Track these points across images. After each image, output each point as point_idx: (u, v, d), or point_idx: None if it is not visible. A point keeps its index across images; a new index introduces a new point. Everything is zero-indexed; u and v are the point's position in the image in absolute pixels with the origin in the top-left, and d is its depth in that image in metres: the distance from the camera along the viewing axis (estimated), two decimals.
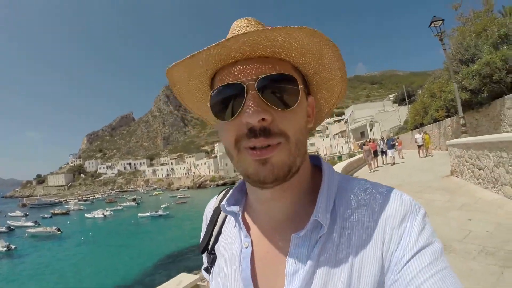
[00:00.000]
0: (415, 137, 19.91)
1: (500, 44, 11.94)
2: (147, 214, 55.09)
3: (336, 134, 70.01)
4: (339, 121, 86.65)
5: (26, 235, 45.02)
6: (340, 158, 37.80)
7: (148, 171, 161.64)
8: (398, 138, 25.45)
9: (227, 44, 0.55)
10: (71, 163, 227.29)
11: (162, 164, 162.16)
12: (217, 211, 0.83)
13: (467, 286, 3.26)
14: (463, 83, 12.26)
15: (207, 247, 0.80)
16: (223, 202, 0.73)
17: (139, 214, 56.93)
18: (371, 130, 46.20)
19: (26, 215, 69.81)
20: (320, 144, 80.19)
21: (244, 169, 0.61)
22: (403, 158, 20.98)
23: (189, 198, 75.46)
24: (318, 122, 0.79)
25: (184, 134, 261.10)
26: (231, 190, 0.79)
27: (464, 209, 6.09)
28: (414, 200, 0.61)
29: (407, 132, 30.34)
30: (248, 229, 0.71)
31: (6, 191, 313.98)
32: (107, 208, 69.28)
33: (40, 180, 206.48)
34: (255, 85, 0.57)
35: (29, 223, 54.28)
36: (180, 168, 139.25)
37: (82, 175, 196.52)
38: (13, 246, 36.37)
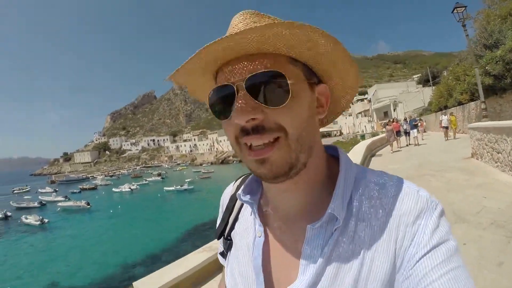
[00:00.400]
0: (440, 119, 19.25)
1: None
2: (173, 188, 56.15)
3: (359, 113, 69.04)
4: (362, 100, 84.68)
5: (58, 209, 47.00)
6: (363, 137, 37.55)
7: (172, 147, 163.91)
8: (421, 119, 24.84)
9: (210, 49, 0.54)
10: (96, 140, 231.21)
11: (185, 141, 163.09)
12: (233, 198, 0.85)
13: (476, 248, 3.86)
14: (486, 68, 12.51)
15: (223, 233, 0.83)
16: (239, 191, 0.74)
17: (165, 188, 58.23)
18: (394, 110, 45.63)
19: (56, 191, 72.30)
20: (343, 123, 79.28)
21: (246, 165, 0.64)
22: (422, 139, 20.67)
23: (212, 173, 76.55)
24: (335, 114, 0.80)
25: (206, 111, 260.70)
26: (248, 179, 0.80)
27: (480, 188, 6.64)
28: (432, 197, 0.60)
29: (431, 113, 30.08)
30: (262, 218, 0.73)
31: (33, 169, 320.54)
32: (133, 183, 71.44)
33: (67, 157, 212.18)
34: (243, 84, 0.56)
35: (60, 198, 56.43)
36: (203, 144, 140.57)
37: (107, 152, 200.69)
38: (46, 220, 38.08)
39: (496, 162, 7.87)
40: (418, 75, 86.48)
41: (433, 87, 36.48)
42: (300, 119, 0.59)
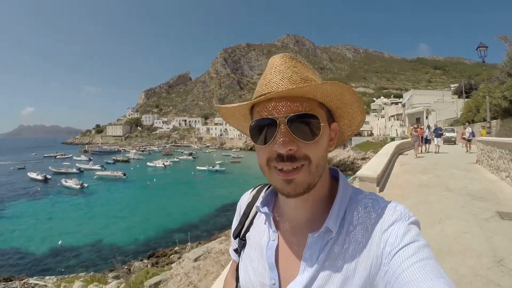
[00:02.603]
0: (466, 130, 19.28)
1: None
2: (205, 168, 58.65)
3: (392, 116, 69.21)
4: (396, 103, 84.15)
5: (95, 177, 49.87)
6: (393, 139, 39.15)
7: (202, 129, 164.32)
8: (444, 129, 25.62)
9: (268, 97, 0.70)
10: (129, 116, 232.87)
11: (216, 124, 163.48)
12: (250, 205, 0.99)
13: (454, 201, 6.62)
14: (505, 93, 14.78)
15: (239, 234, 0.97)
16: (258, 204, 0.90)
17: (197, 167, 60.37)
18: (427, 117, 45.56)
19: (90, 159, 76.04)
20: (375, 124, 78.03)
21: (273, 184, 0.77)
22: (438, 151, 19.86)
23: (242, 159, 76.86)
24: (339, 144, 0.93)
25: (240, 97, 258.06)
26: (265, 192, 0.96)
27: (470, 179, 9.55)
28: (407, 210, 0.73)
29: (459, 125, 31.14)
30: (276, 225, 0.87)
31: (63, 138, 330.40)
32: (166, 159, 73.17)
33: (99, 129, 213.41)
34: (285, 121, 0.70)
35: (96, 167, 60.29)
36: (233, 129, 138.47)
37: (138, 127, 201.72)
38: (85, 184, 41.02)
39: (490, 167, 10.64)
40: (456, 85, 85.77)
41: (465, 100, 37.57)
42: (321, 151, 0.75)
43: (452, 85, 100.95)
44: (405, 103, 62.43)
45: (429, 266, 0.59)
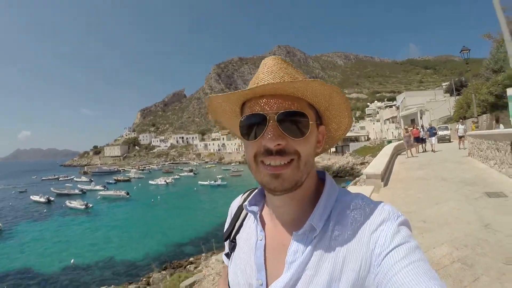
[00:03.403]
0: (456, 127, 20.04)
1: None
2: (207, 183, 58.58)
3: (387, 119, 70.01)
4: (390, 106, 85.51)
5: (98, 197, 49.90)
6: (389, 142, 39.63)
7: (200, 145, 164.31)
8: (437, 127, 26.45)
9: (257, 89, 0.71)
10: (126, 136, 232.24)
11: (213, 139, 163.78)
12: (240, 208, 1.00)
13: (448, 187, 7.62)
14: (490, 89, 15.96)
15: (230, 236, 0.97)
16: (245, 203, 0.91)
17: (199, 182, 60.19)
18: (421, 118, 46.28)
19: (91, 181, 75.12)
20: (371, 128, 79.94)
21: (260, 179, 0.76)
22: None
23: (242, 172, 76.32)
24: (328, 147, 0.96)
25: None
26: (254, 193, 0.96)
27: (462, 169, 10.71)
28: (395, 210, 0.73)
29: (453, 123, 31.52)
30: (263, 225, 0.87)
31: (61, 160, 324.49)
32: (167, 177, 73.13)
33: (97, 151, 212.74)
34: (275, 117, 0.71)
35: (99, 187, 59.78)
36: (231, 143, 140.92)
37: (136, 147, 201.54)
38: (90, 205, 41.00)
39: (480, 157, 11.74)
40: (447, 83, 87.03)
41: (456, 98, 38.46)
42: (310, 148, 0.76)
43: (443, 84, 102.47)
44: (399, 105, 63.09)
45: (421, 268, 0.59)
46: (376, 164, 10.55)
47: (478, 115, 21.64)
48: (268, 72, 0.76)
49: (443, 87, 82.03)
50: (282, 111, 0.72)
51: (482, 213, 5.55)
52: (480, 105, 20.67)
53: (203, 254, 17.94)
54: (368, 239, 0.68)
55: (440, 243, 4.44)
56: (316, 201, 0.78)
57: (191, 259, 18.06)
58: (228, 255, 0.99)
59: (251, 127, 0.75)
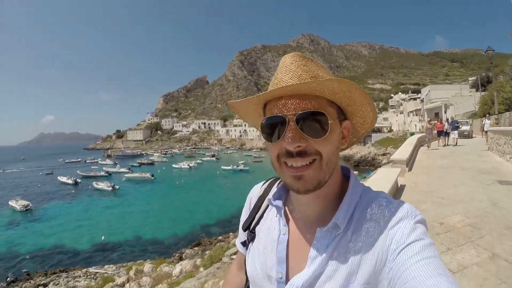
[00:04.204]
0: (483, 123, 20.55)
1: None
2: (230, 167, 60.64)
3: (411, 111, 69.16)
4: (415, 99, 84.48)
5: (124, 179, 51.68)
6: (412, 134, 39.75)
7: (222, 131, 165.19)
8: (469, 122, 26.95)
9: (273, 93, 0.72)
10: (148, 120, 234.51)
11: (235, 126, 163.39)
12: (261, 199, 1.00)
13: (465, 174, 8.67)
14: None
15: (249, 227, 0.97)
16: (270, 197, 0.91)
17: (222, 167, 61.79)
18: (445, 112, 45.79)
19: (115, 163, 77.97)
20: (394, 120, 79.19)
21: (283, 179, 0.79)
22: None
23: (263, 158, 77.11)
24: (353, 142, 0.95)
25: (257, 99, 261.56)
26: (277, 186, 0.98)
27: (481, 161, 11.71)
28: (413, 209, 0.74)
29: (477, 118, 31.54)
30: (287, 220, 0.87)
31: (84, 144, 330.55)
32: (189, 161, 74.88)
33: (119, 135, 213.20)
34: (294, 118, 0.72)
35: (124, 169, 62.59)
36: (253, 130, 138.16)
37: (158, 131, 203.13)
38: (117, 186, 42.88)
39: (498, 152, 12.68)
40: (474, 77, 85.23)
41: (481, 94, 38.24)
42: (332, 147, 0.75)
43: (470, 78, 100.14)
44: (423, 98, 62.66)
45: (433, 264, 0.60)
46: (402, 152, 11.73)
47: (501, 112, 22.06)
48: (286, 71, 0.76)
49: (470, 81, 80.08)
50: (300, 112, 0.72)
51: (492, 196, 6.66)
52: (504, 103, 21.16)
53: (231, 234, 18.93)
54: (386, 235, 0.70)
55: (455, 213, 5.62)
56: (341, 198, 0.80)
57: (220, 237, 19.01)
58: (244, 244, 1.03)
59: (272, 129, 0.76)
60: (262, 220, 0.96)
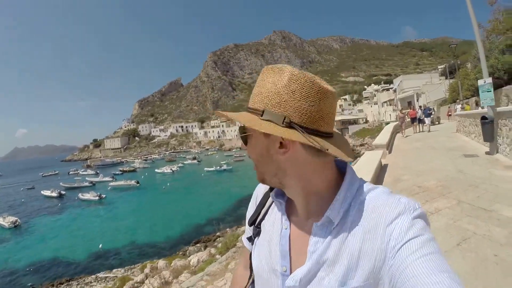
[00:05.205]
0: (455, 108, 22.20)
1: (507, 51, 16.29)
2: (213, 168, 61.88)
3: (385, 102, 71.10)
4: (387, 89, 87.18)
5: (109, 188, 51.47)
6: (387, 123, 41.00)
7: (200, 133, 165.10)
8: (434, 109, 27.59)
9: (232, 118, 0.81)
10: (125, 127, 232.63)
11: (213, 127, 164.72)
12: (266, 195, 1.01)
13: (435, 151, 10.19)
14: (476, 75, 17.92)
15: (255, 222, 0.99)
16: (272, 192, 0.94)
17: (205, 169, 63.29)
18: (417, 100, 47.46)
19: (97, 173, 76.51)
20: (369, 111, 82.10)
21: None
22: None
23: (244, 157, 76.84)
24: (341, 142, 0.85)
25: (233, 98, 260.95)
26: None
27: (450, 141, 13.44)
28: (412, 202, 0.72)
29: (447, 104, 33.97)
30: (288, 214, 0.89)
31: (60, 156, 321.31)
32: (171, 165, 75.54)
33: (97, 144, 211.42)
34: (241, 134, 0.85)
35: (108, 178, 61.95)
36: (231, 130, 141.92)
37: (136, 138, 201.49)
38: (103, 196, 42.80)
39: (464, 132, 14.38)
40: (443, 66, 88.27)
41: (450, 81, 40.03)
42: (256, 154, 0.83)
43: (439, 67, 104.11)
44: (396, 88, 64.71)
45: (433, 261, 0.60)
46: (382, 138, 13.72)
47: (468, 98, 23.81)
48: (255, 87, 0.81)
49: (439, 70, 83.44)
50: (239, 126, 0.85)
51: (459, 166, 8.21)
52: (470, 89, 22.86)
53: (228, 229, 19.73)
54: (384, 231, 0.69)
55: (429, 180, 7.15)
56: (336, 193, 0.80)
57: (218, 233, 19.82)
58: (250, 239, 1.05)
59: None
60: (267, 216, 0.98)
